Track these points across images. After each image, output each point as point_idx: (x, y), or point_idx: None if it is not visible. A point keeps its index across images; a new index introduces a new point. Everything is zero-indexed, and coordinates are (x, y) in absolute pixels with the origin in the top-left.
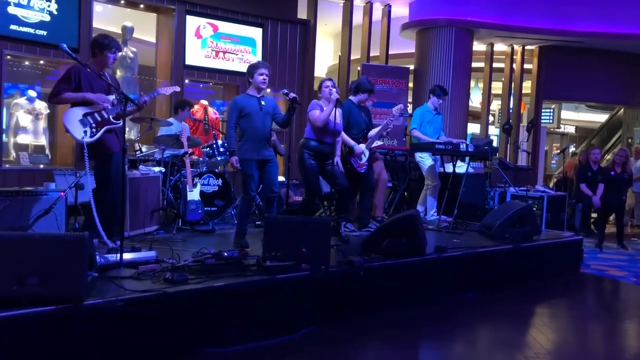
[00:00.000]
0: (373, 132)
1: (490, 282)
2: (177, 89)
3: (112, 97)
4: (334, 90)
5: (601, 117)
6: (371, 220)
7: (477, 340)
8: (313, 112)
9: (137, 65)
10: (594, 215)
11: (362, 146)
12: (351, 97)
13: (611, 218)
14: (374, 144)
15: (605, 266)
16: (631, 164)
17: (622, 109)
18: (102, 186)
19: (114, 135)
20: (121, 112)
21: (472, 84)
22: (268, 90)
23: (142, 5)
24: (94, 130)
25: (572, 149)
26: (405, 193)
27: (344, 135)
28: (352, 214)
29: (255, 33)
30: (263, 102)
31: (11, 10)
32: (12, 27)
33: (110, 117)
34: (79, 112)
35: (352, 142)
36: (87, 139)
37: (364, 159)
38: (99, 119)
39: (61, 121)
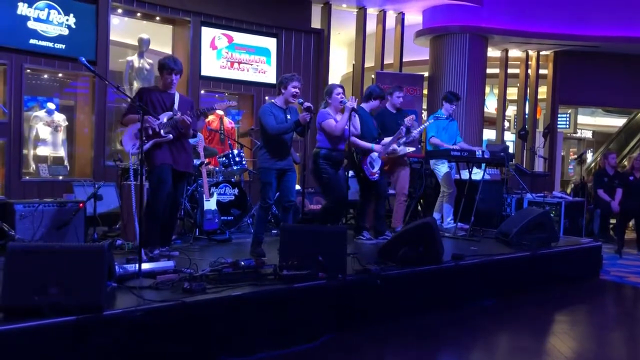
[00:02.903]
0: (385, 140)
1: (508, 290)
2: (234, 103)
3: (165, 118)
4: (347, 99)
5: (618, 121)
6: (388, 230)
7: (496, 348)
8: (328, 122)
9: (154, 77)
10: (613, 221)
11: (375, 154)
12: (363, 105)
13: (631, 224)
14: (402, 152)
15: (625, 272)
16: None
17: None
18: (149, 196)
19: (166, 148)
20: (172, 128)
21: (487, 90)
22: None
23: (158, 18)
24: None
25: (589, 154)
26: (421, 200)
27: (358, 140)
28: (368, 222)
29: (270, 43)
30: (289, 116)
31: (31, 25)
32: (32, 41)
33: (162, 131)
34: (135, 128)
35: (368, 144)
36: (133, 150)
37: (376, 167)
38: (149, 132)
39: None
